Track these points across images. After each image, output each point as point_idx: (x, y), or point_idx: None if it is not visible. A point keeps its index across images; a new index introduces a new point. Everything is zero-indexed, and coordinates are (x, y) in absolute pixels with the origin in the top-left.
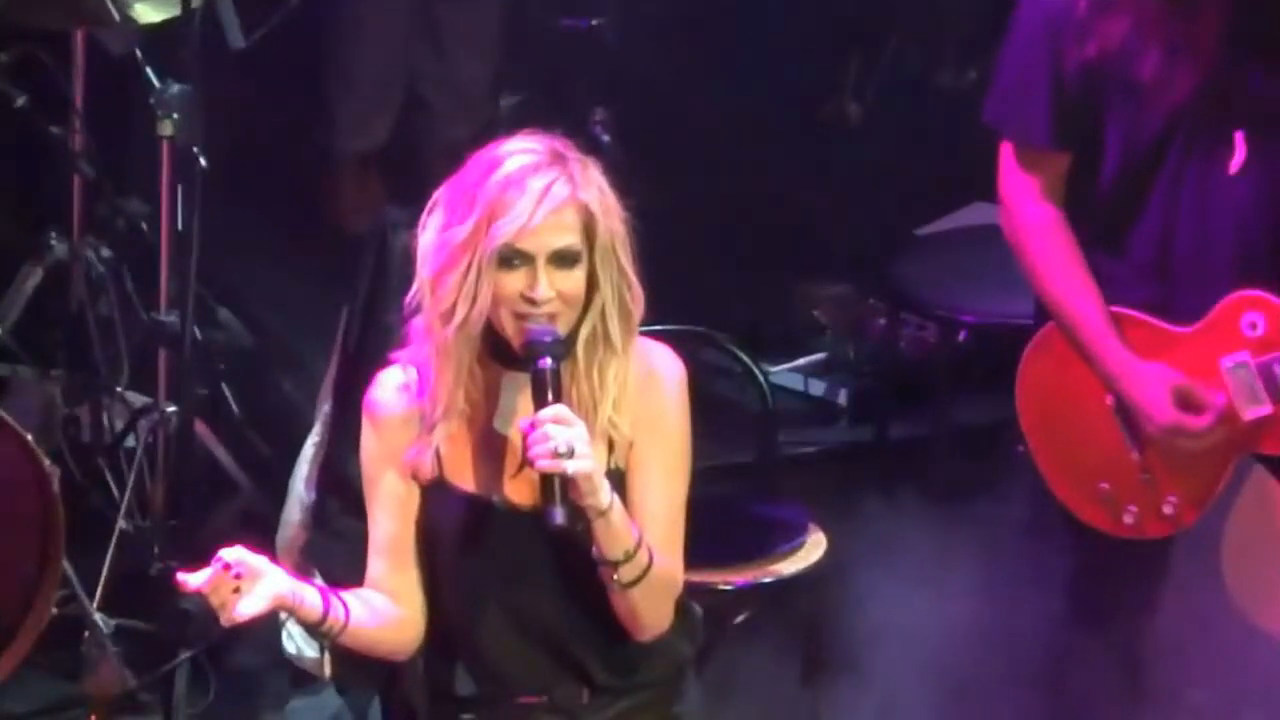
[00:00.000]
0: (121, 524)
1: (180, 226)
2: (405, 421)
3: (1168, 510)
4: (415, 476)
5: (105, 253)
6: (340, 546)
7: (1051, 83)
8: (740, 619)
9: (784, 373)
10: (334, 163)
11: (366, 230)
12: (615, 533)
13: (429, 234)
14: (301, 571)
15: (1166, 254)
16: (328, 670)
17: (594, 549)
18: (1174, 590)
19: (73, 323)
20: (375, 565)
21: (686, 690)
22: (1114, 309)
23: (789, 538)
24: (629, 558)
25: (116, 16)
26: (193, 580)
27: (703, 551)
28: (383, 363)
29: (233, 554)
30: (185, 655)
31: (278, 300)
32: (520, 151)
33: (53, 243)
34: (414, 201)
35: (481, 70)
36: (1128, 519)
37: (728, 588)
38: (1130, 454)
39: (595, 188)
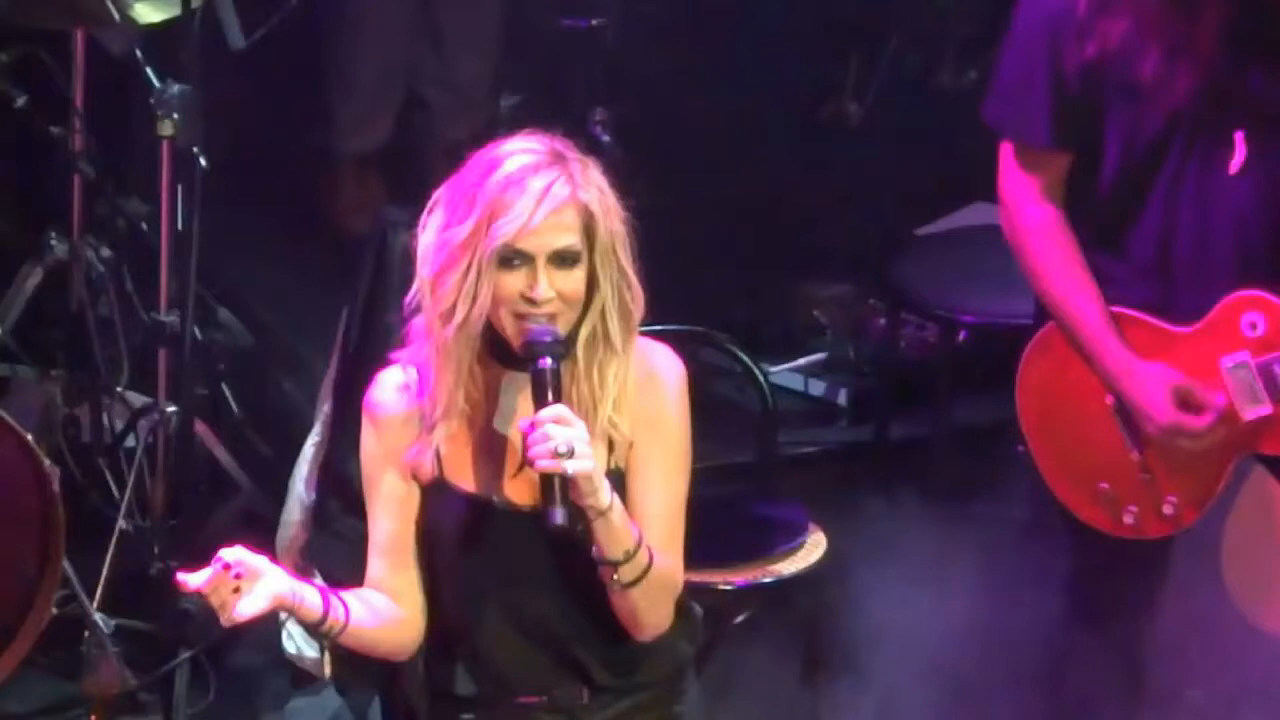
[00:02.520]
0: (121, 524)
1: (180, 226)
2: (405, 421)
3: (1168, 510)
4: (415, 476)
5: (105, 253)
6: (340, 546)
7: (1051, 83)
8: (740, 619)
9: (784, 373)
10: (334, 163)
11: (366, 230)
12: (615, 533)
13: (429, 234)
14: (301, 571)
15: (1166, 254)
16: (328, 670)
17: (594, 549)
18: (1174, 590)
19: (73, 323)
20: (375, 565)
21: (686, 690)
22: (1114, 309)
23: (789, 538)
24: (629, 558)
25: (116, 16)
26: (193, 580)
27: (703, 551)
28: (383, 363)
29: (233, 554)
30: (185, 655)
31: (278, 300)
32: (520, 151)
33: (53, 243)
34: (414, 201)
35: (481, 70)
36: (1128, 519)
37: (728, 588)
38: (1130, 454)
39: (595, 188)
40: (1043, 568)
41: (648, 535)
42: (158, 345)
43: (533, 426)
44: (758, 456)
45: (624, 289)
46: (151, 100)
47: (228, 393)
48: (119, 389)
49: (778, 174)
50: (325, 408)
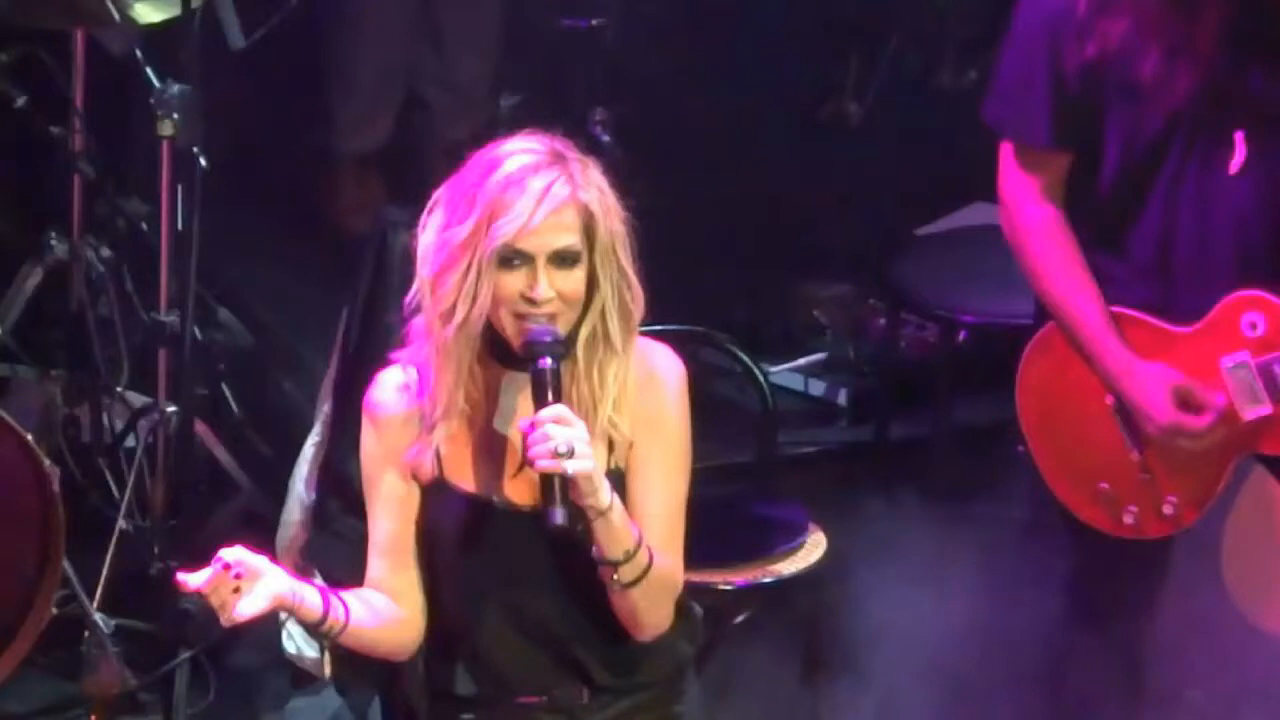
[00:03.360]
0: (121, 524)
1: (180, 226)
2: (405, 421)
3: (1168, 510)
4: (415, 476)
5: (105, 253)
6: (340, 546)
7: (1051, 83)
8: (740, 619)
9: (784, 373)
10: (334, 163)
11: (366, 230)
12: (615, 533)
13: (429, 234)
14: (301, 571)
15: (1166, 254)
16: (328, 670)
17: (594, 549)
18: (1174, 590)
19: (73, 323)
20: (375, 565)
21: (686, 690)
22: (1114, 309)
23: (789, 538)
24: (629, 558)
25: (116, 16)
26: (193, 580)
27: (703, 551)
28: (383, 363)
29: (233, 554)
30: (185, 655)
31: (278, 300)
32: (520, 151)
33: (53, 243)
34: (414, 201)
35: (481, 70)
36: (1128, 519)
37: (728, 588)
38: (1130, 454)
39: (595, 188)
40: (1043, 568)
41: (648, 535)
42: (158, 345)
43: (533, 426)
44: (758, 456)
45: (624, 289)
46: (151, 100)
47: (228, 393)
48: (119, 389)
49: (778, 174)
50: (325, 408)
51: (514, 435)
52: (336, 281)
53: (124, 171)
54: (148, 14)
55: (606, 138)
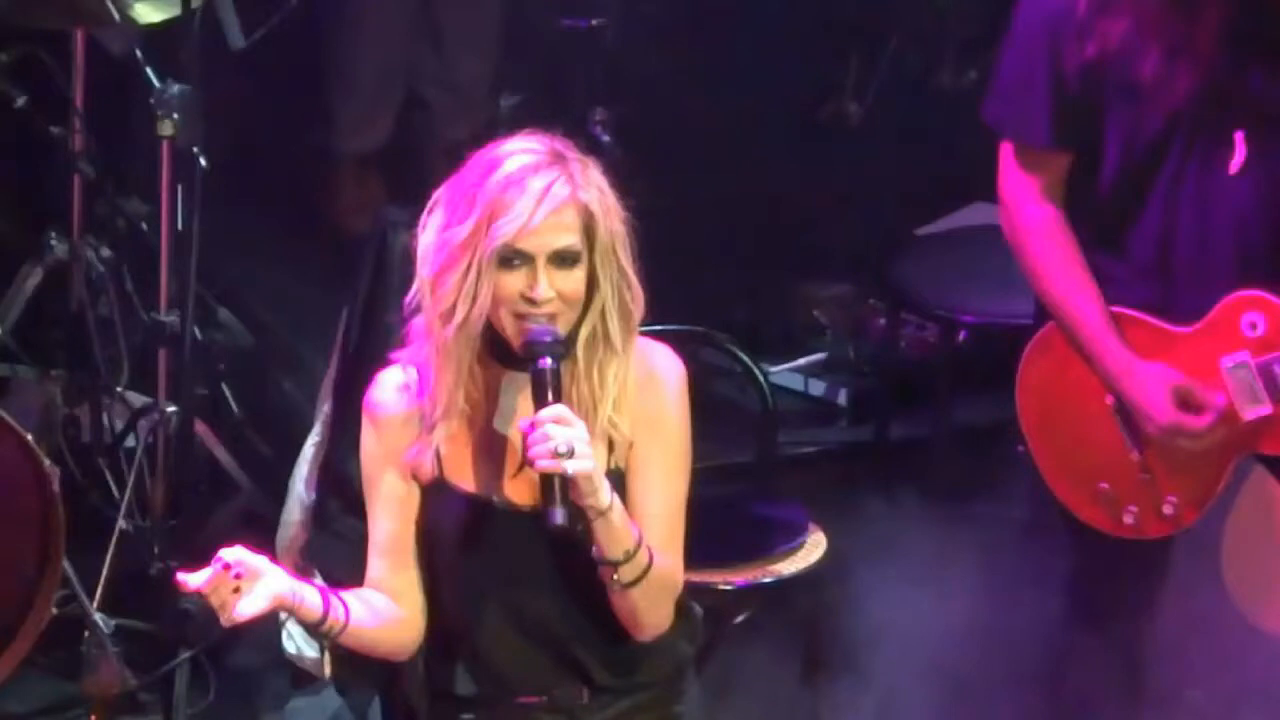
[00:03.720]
0: (121, 524)
1: (180, 226)
2: (405, 421)
3: (1168, 510)
4: (415, 476)
5: (105, 253)
6: (340, 546)
7: (1051, 83)
8: (740, 619)
9: (784, 373)
10: (334, 163)
11: (366, 230)
12: (615, 533)
13: (429, 234)
14: (301, 571)
15: (1166, 254)
16: (328, 670)
17: (594, 549)
18: (1174, 590)
19: (73, 323)
20: (375, 565)
21: (686, 690)
22: (1114, 309)
23: (789, 538)
24: (629, 558)
25: (116, 16)
26: (193, 580)
27: (703, 551)
28: (383, 363)
29: (233, 554)
30: (185, 655)
31: (278, 300)
32: (520, 151)
33: (53, 243)
34: (414, 201)
35: (481, 70)
36: (1128, 519)
37: (728, 588)
38: (1130, 454)
39: (595, 188)
40: (1043, 568)
41: (648, 535)
42: (158, 345)
43: (533, 426)
44: (758, 456)
45: (624, 289)
46: (151, 100)
47: (228, 393)
48: (119, 389)
49: (778, 174)
50: (325, 408)
51: (514, 435)
52: (336, 281)
53: (124, 171)
54: (148, 14)
55: (606, 138)
